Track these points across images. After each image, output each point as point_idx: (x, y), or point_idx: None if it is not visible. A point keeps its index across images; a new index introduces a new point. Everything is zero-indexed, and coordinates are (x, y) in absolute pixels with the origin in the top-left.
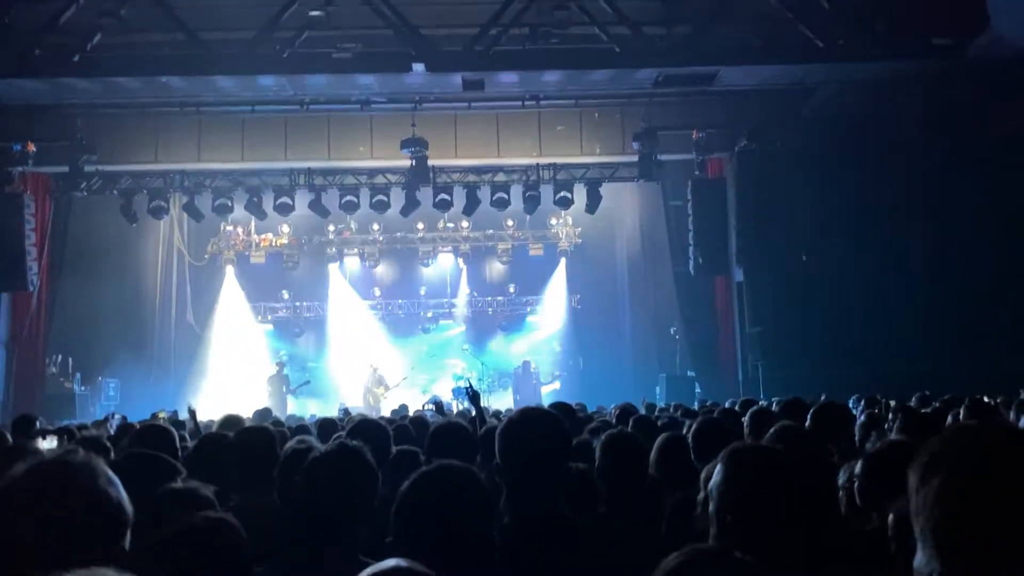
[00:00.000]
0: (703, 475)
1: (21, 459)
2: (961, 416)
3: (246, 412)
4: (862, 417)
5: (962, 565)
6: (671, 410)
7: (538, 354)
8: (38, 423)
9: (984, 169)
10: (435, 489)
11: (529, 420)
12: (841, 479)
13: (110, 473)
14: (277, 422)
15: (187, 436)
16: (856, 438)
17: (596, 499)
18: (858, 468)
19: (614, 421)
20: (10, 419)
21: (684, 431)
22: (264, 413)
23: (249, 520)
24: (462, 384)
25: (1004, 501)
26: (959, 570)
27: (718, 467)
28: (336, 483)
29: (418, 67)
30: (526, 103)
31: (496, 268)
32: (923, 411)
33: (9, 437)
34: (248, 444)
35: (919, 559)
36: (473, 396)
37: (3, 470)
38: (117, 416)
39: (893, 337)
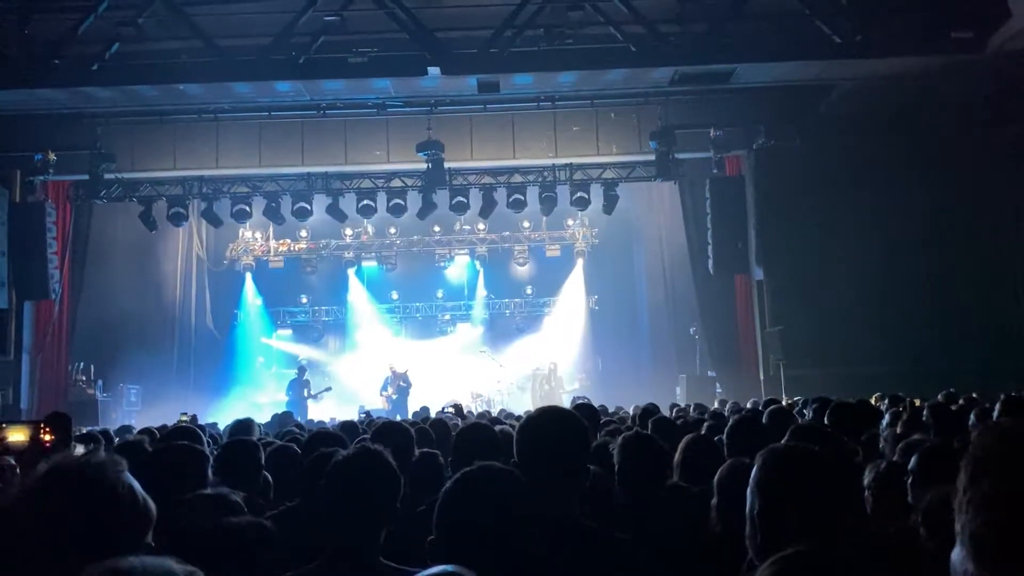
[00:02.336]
0: (716, 478)
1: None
2: (996, 413)
3: (265, 417)
4: (888, 416)
5: (997, 572)
6: (691, 410)
7: (556, 356)
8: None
9: (1007, 163)
10: (477, 490)
11: (547, 418)
12: (867, 479)
13: (128, 475)
14: (299, 426)
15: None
16: (882, 437)
17: (610, 501)
18: (912, 464)
19: (636, 422)
20: None
21: (703, 431)
22: (284, 417)
23: (283, 525)
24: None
25: None
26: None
27: (755, 467)
28: (358, 486)
29: (433, 70)
30: (541, 104)
31: (513, 270)
32: (951, 408)
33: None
34: (285, 452)
35: (956, 554)
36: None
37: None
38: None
39: (915, 334)
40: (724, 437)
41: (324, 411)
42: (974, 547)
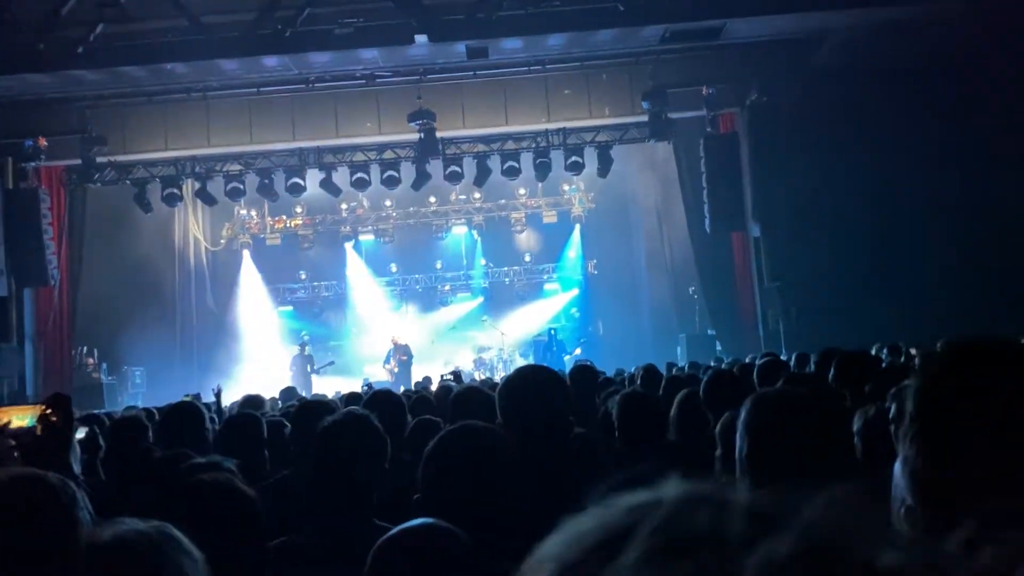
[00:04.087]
0: (718, 429)
1: None
2: None
3: (271, 393)
4: (886, 366)
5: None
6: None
7: (557, 321)
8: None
9: (1003, 107)
10: (459, 447)
11: (526, 376)
12: (856, 425)
13: (65, 493)
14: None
15: (214, 417)
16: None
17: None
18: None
19: (639, 382)
20: None
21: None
22: (289, 392)
23: (292, 492)
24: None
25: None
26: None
27: (743, 410)
28: (345, 450)
29: (421, 38)
30: (532, 68)
31: (511, 238)
32: None
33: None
34: (300, 419)
35: (898, 472)
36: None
37: None
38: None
39: (914, 285)
40: (701, 393)
41: (329, 385)
42: (915, 483)
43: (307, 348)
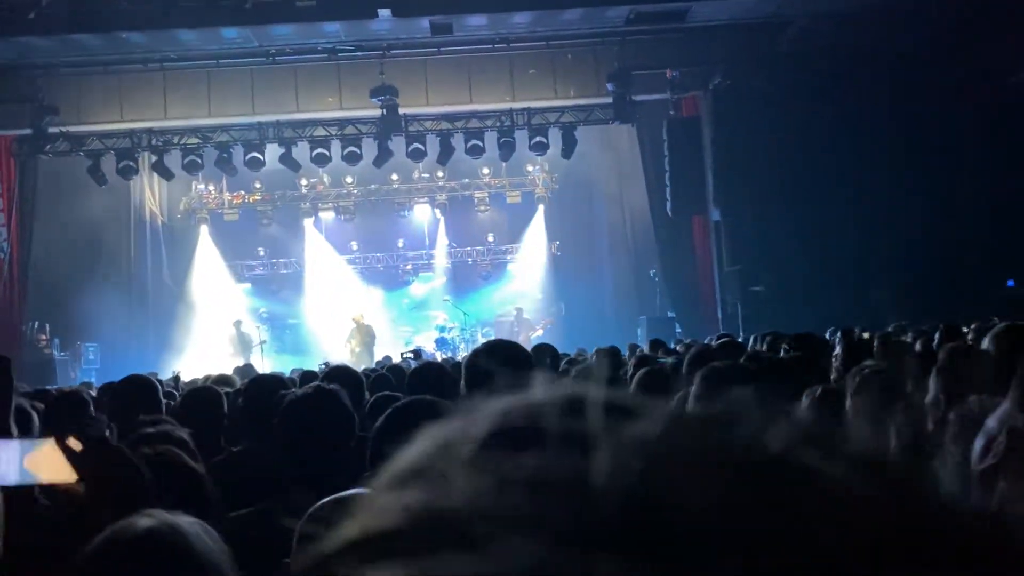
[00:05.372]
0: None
1: None
2: (936, 342)
3: (227, 371)
4: (839, 348)
5: None
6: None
7: (519, 302)
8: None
9: (966, 98)
10: (408, 422)
11: (491, 348)
12: (804, 403)
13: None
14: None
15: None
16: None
17: None
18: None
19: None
20: None
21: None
22: (246, 370)
23: (246, 467)
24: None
25: None
26: None
27: (695, 382)
28: (312, 425)
29: (384, 12)
30: (497, 46)
31: (474, 217)
32: (901, 339)
33: None
34: (253, 394)
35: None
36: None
37: None
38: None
39: (872, 270)
40: (684, 370)
41: (287, 365)
42: None
43: (243, 326)
